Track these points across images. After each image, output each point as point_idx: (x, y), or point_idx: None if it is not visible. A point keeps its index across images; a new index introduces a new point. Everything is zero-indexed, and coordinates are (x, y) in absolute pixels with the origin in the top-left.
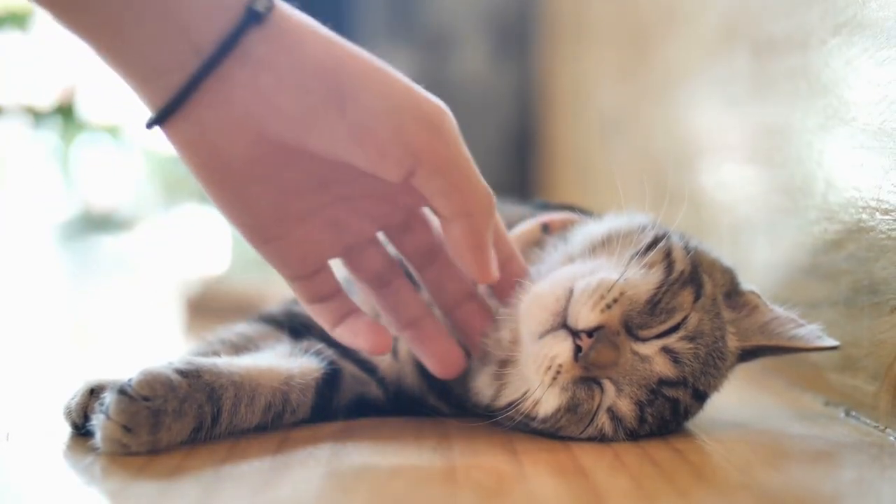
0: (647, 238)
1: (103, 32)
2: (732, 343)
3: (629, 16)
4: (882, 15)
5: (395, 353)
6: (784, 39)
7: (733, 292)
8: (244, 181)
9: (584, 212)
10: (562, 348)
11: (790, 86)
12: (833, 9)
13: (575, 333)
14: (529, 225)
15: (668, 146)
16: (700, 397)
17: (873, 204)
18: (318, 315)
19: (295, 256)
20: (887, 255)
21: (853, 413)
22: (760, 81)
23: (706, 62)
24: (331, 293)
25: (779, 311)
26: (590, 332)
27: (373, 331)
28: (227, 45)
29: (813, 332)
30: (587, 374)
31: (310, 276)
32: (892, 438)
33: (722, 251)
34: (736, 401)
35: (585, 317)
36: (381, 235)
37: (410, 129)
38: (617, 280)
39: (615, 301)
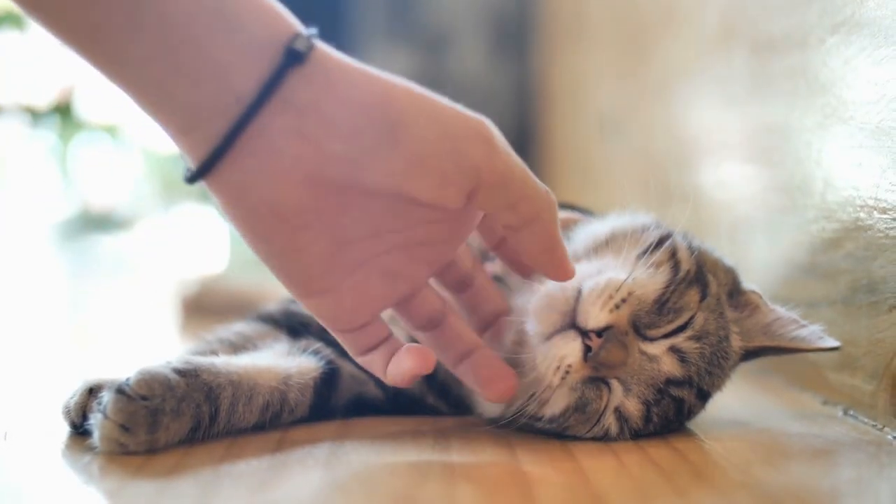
0: (652, 237)
1: (140, 81)
2: (736, 343)
3: (628, 15)
4: (880, 14)
5: None
6: (782, 38)
7: (735, 292)
8: (293, 230)
9: (584, 210)
10: (571, 348)
11: (789, 85)
12: (831, 8)
13: (584, 333)
14: None
15: (666, 145)
16: (703, 397)
17: (871, 203)
18: (370, 365)
19: (346, 310)
20: (885, 254)
21: (851, 412)
22: (759, 80)
23: (705, 61)
24: (381, 341)
25: (780, 311)
26: (599, 332)
27: (414, 355)
28: (267, 90)
29: (815, 333)
30: (596, 374)
31: (360, 328)
32: (890, 437)
33: (721, 250)
34: (735, 400)
35: (595, 317)
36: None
37: (467, 150)
38: (625, 280)
39: (623, 301)
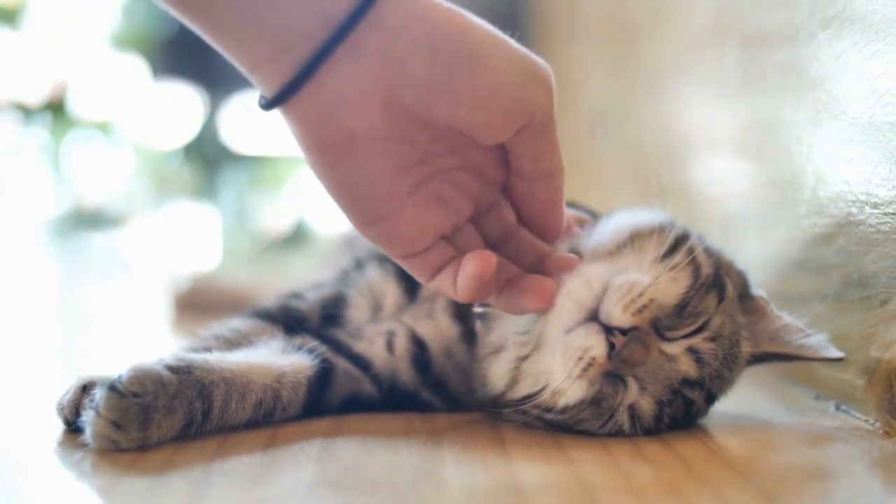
0: (671, 239)
1: (222, 13)
2: (746, 348)
3: (619, 10)
4: (871, 8)
5: (390, 348)
6: (774, 33)
7: (745, 296)
8: (363, 156)
9: (590, 211)
10: (596, 341)
11: (780, 80)
12: (822, 3)
13: (608, 330)
14: None
15: (658, 141)
16: (710, 400)
17: (863, 198)
18: (440, 288)
19: (407, 234)
20: (877, 249)
21: (843, 407)
22: (750, 76)
23: (696, 56)
24: (447, 261)
25: (787, 318)
26: (623, 331)
27: (475, 257)
28: (362, 10)
29: (820, 343)
30: (616, 370)
31: (424, 252)
32: (881, 432)
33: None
34: (728, 395)
35: (619, 317)
36: None
37: (531, 91)
38: (649, 284)
39: (645, 307)
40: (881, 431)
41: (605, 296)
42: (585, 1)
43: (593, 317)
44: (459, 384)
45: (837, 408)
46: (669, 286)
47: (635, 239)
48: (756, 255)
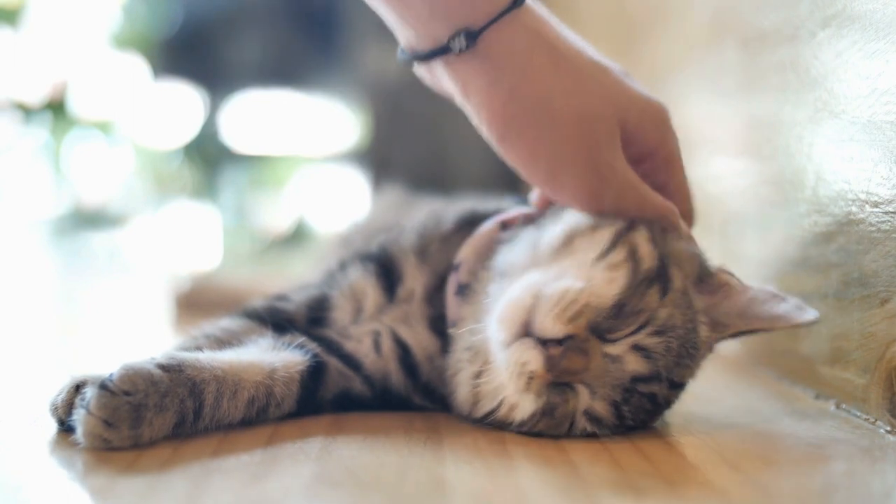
0: (608, 236)
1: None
2: (704, 333)
3: (618, 10)
4: (871, 7)
5: (377, 348)
6: (773, 32)
7: (704, 275)
8: None
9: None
10: (532, 355)
11: (780, 79)
12: (822, 2)
13: (543, 343)
14: (488, 226)
15: None
16: (677, 387)
17: (863, 196)
18: None
19: None
20: (877, 248)
21: (844, 406)
22: (750, 74)
23: (696, 55)
24: None
25: (755, 288)
26: (559, 341)
27: None
28: (470, 39)
29: (793, 307)
30: (559, 379)
31: None
32: (882, 431)
33: (712, 245)
34: (727, 394)
35: (551, 328)
36: None
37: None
38: (581, 289)
39: (579, 313)
40: (882, 430)
41: (536, 307)
42: (584, 1)
43: (528, 331)
44: (447, 393)
45: (838, 407)
46: (604, 288)
47: (573, 240)
48: (756, 253)
